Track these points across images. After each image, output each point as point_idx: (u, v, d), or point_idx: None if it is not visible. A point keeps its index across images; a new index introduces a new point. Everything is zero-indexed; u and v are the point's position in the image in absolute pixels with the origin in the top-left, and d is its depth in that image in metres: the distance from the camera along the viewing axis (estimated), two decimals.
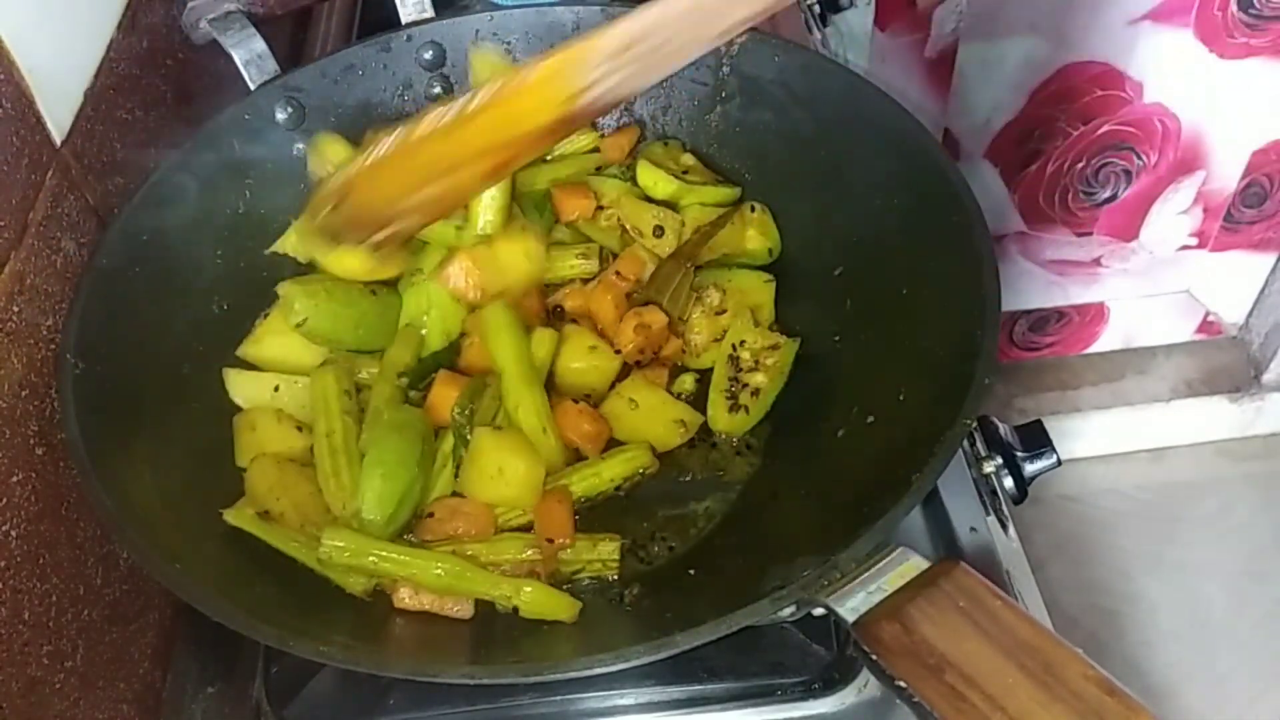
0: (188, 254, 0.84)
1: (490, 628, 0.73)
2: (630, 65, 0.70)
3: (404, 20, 0.95)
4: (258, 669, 0.78)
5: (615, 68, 0.70)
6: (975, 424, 0.89)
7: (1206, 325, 2.15)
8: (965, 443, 0.88)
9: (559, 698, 0.75)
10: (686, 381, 0.88)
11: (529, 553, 0.75)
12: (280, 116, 0.90)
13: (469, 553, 0.75)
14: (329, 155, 0.90)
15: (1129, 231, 1.99)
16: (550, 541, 0.75)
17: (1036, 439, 0.90)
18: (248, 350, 0.85)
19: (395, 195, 0.77)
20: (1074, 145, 1.83)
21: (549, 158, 0.96)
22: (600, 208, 0.93)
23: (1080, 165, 1.86)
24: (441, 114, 0.73)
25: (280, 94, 0.90)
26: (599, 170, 0.96)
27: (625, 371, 0.87)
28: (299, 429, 0.81)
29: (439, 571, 0.72)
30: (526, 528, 0.78)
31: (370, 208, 0.78)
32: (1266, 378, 2.11)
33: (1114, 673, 0.54)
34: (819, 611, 0.61)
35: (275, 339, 0.85)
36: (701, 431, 0.85)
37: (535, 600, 0.73)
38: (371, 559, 0.72)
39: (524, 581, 0.73)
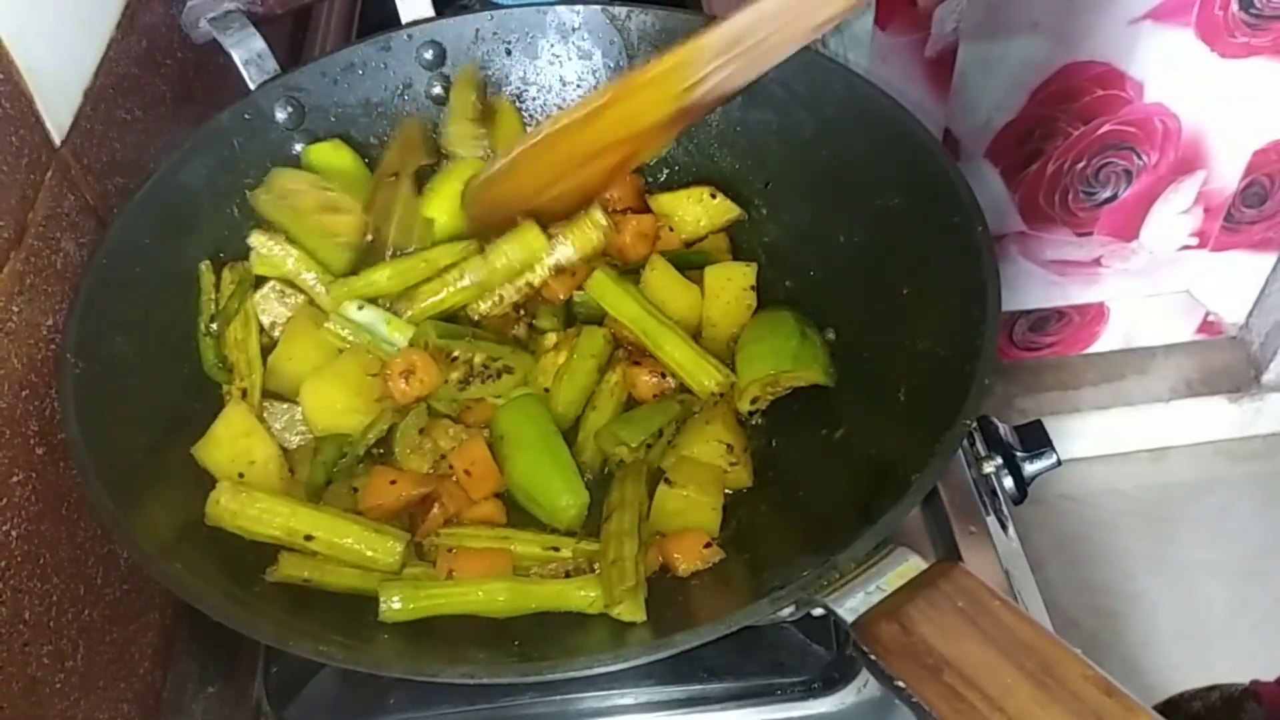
0: (188, 254, 0.84)
1: (488, 626, 0.73)
2: (736, 61, 0.76)
3: (404, 19, 0.95)
4: (258, 669, 0.78)
5: (723, 64, 0.76)
6: (975, 424, 0.89)
7: (1206, 325, 2.15)
8: (965, 443, 0.88)
9: (559, 697, 0.76)
10: None
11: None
12: (280, 116, 0.90)
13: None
14: (329, 163, 0.90)
15: (1129, 231, 1.99)
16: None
17: (1036, 439, 0.90)
18: (201, 453, 0.78)
19: (533, 188, 0.84)
20: (1074, 145, 1.83)
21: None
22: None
23: (1080, 165, 1.86)
24: (571, 112, 0.80)
25: (280, 93, 0.90)
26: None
27: None
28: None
29: (502, 599, 0.72)
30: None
31: (511, 199, 0.86)
32: (1266, 378, 2.11)
33: (1114, 673, 0.54)
34: (818, 612, 0.61)
35: (231, 442, 0.79)
36: None
37: (630, 607, 0.69)
38: (431, 602, 0.71)
39: (587, 583, 0.72)
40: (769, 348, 0.84)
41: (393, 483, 0.77)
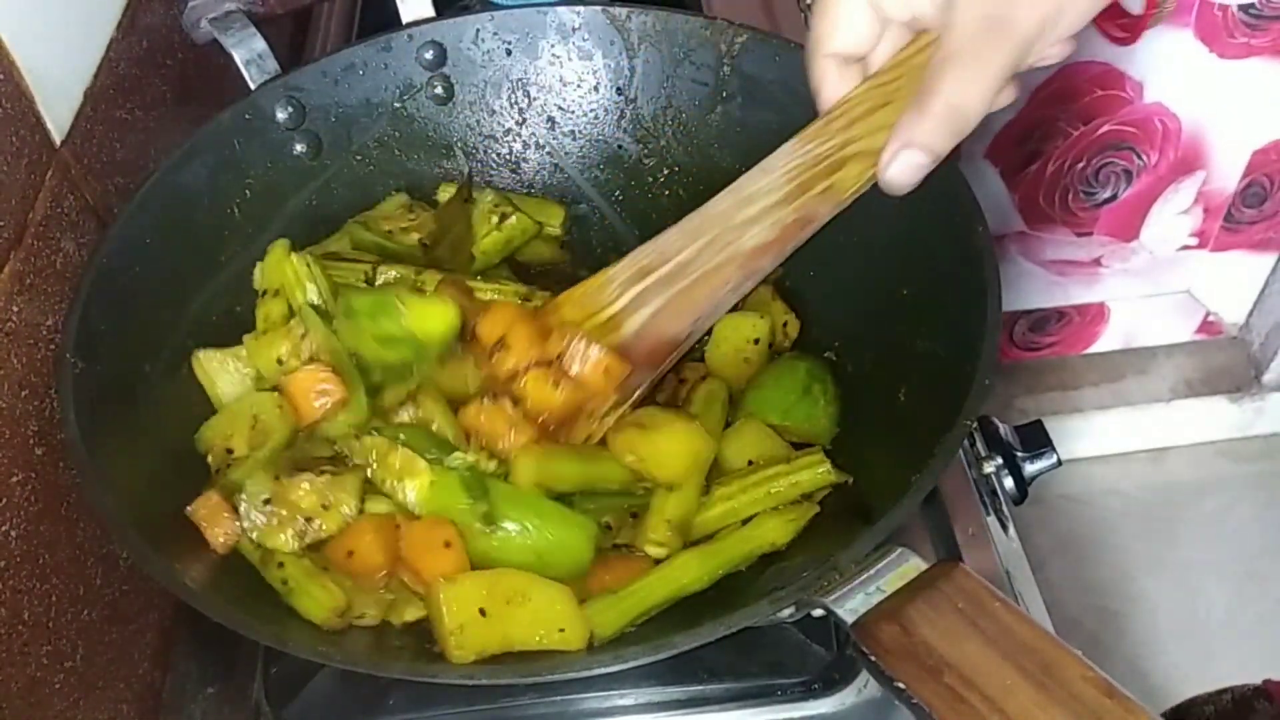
0: (188, 254, 0.84)
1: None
2: (657, 294, 0.73)
3: (404, 20, 0.95)
4: (257, 669, 0.78)
5: (639, 295, 0.73)
6: (975, 424, 0.89)
7: (1207, 325, 2.15)
8: (965, 443, 0.88)
9: (559, 698, 0.75)
10: None
11: None
12: (281, 116, 0.90)
13: None
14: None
15: (1129, 231, 1.99)
16: None
17: (1037, 439, 0.90)
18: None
19: None
20: (1074, 145, 1.83)
21: None
22: None
23: (1080, 165, 1.86)
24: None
25: (281, 94, 0.90)
26: None
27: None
28: None
29: (695, 570, 0.72)
30: None
31: None
32: (1267, 378, 2.11)
33: (1114, 673, 0.53)
34: (818, 612, 0.61)
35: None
36: None
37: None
38: (634, 602, 0.70)
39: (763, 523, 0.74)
40: (765, 398, 0.82)
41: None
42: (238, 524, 0.72)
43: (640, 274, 0.74)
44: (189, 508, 0.73)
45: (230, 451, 0.78)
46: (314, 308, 0.83)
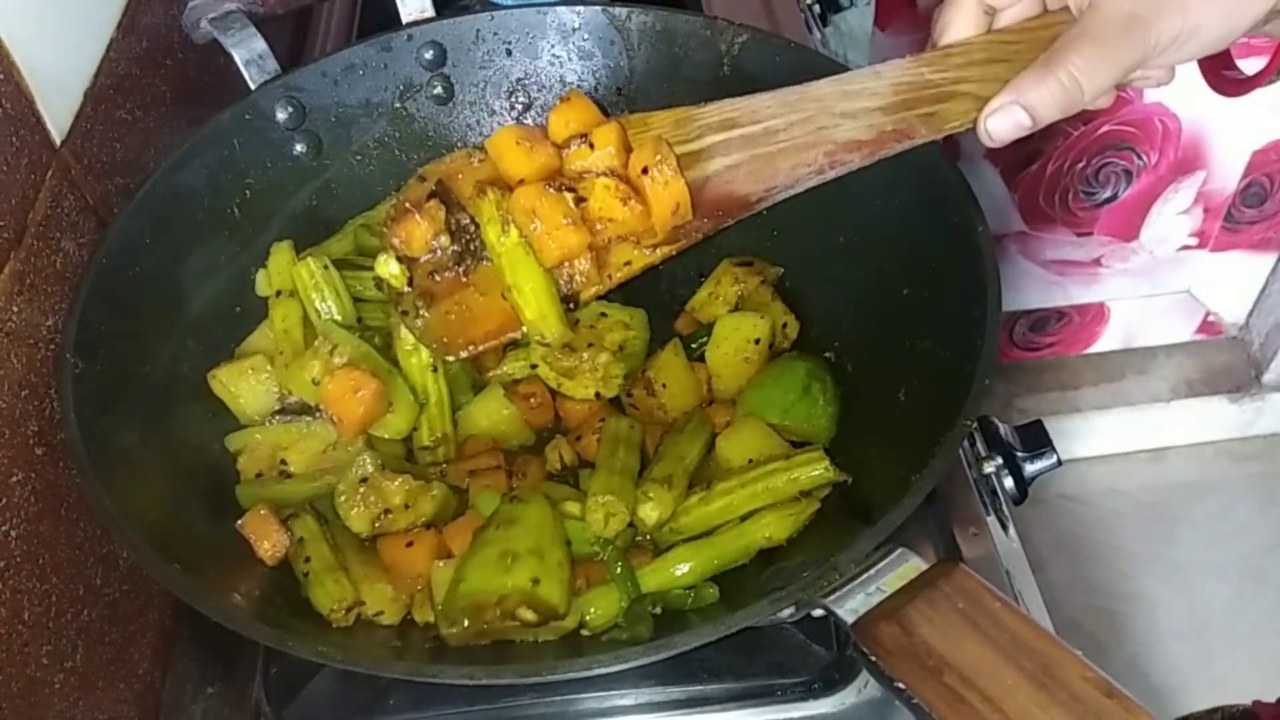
0: (188, 254, 0.84)
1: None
2: (739, 150, 0.72)
3: (404, 20, 0.95)
4: (258, 669, 0.78)
5: (720, 144, 0.72)
6: (975, 424, 0.89)
7: (1207, 325, 2.15)
8: (965, 443, 0.88)
9: (559, 698, 0.76)
10: None
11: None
12: (280, 116, 0.90)
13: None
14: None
15: (1129, 231, 1.99)
16: None
17: (1036, 439, 0.90)
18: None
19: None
20: (1074, 145, 1.83)
21: None
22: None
23: (1080, 165, 1.86)
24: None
25: (281, 94, 0.90)
26: None
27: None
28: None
29: (692, 564, 0.73)
30: None
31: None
32: (1267, 378, 2.11)
33: (1114, 673, 0.54)
34: (818, 612, 0.61)
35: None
36: None
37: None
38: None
39: (761, 519, 0.75)
40: (765, 397, 0.83)
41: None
42: (286, 535, 0.74)
43: (726, 124, 0.73)
44: (239, 522, 0.75)
45: (285, 464, 0.79)
46: (334, 321, 0.83)
